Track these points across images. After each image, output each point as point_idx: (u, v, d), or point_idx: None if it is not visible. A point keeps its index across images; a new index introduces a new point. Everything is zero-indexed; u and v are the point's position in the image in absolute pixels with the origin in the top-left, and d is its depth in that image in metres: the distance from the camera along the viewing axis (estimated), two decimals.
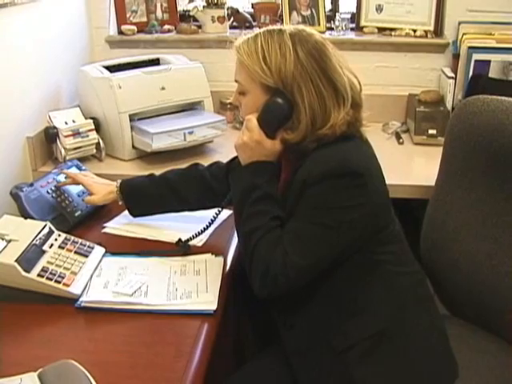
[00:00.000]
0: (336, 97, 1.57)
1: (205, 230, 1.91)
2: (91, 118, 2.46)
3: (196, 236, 1.90)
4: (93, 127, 2.43)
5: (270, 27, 1.63)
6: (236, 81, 1.65)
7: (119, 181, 2.03)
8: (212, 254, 1.86)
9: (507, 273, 1.79)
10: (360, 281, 1.59)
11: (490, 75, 2.60)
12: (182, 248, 1.87)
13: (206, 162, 2.37)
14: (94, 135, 2.43)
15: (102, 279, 1.72)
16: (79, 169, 2.19)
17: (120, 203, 2.01)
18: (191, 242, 1.90)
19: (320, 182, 1.50)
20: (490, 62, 2.60)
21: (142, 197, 2.01)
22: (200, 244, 1.93)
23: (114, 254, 1.86)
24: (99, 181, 2.08)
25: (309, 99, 1.55)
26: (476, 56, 2.60)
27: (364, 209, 1.53)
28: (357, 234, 1.54)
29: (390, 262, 1.62)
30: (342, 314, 1.59)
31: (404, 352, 1.59)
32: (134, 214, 2.02)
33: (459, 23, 2.80)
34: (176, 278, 1.73)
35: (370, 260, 1.59)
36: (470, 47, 2.62)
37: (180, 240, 1.89)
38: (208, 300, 1.63)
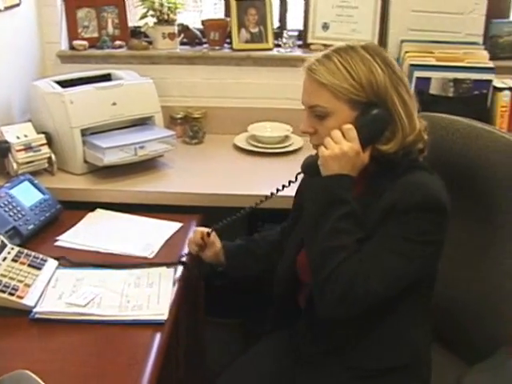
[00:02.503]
0: (413, 103, 1.58)
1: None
2: (43, 133, 2.47)
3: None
4: (45, 142, 2.45)
5: (336, 46, 1.59)
6: (313, 106, 1.57)
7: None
8: (165, 265, 1.90)
9: (463, 292, 1.88)
10: (404, 314, 1.63)
11: (431, 92, 2.69)
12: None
13: (156, 176, 2.47)
14: (46, 150, 2.45)
15: (57, 291, 1.75)
16: (31, 183, 2.21)
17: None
18: None
19: (411, 212, 1.48)
20: (430, 79, 2.69)
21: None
22: (151, 256, 1.97)
23: (67, 266, 1.89)
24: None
25: (398, 108, 1.54)
26: (417, 73, 2.68)
27: (439, 244, 1.56)
28: (424, 268, 1.57)
29: (426, 302, 1.68)
30: (373, 338, 1.63)
31: None
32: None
33: (401, 41, 2.90)
34: (130, 290, 1.77)
35: (416, 296, 1.63)
36: (411, 65, 2.70)
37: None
38: (158, 312, 1.67)
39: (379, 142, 1.55)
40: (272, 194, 1.74)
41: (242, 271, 1.93)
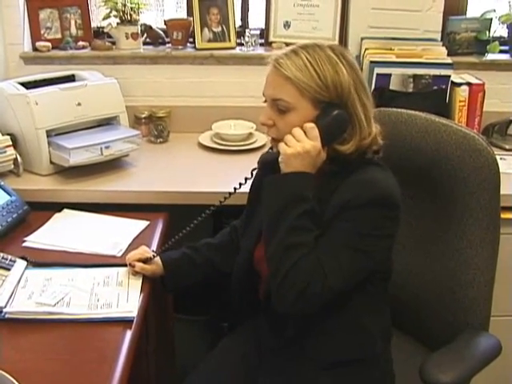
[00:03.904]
0: (372, 108, 1.62)
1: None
2: (8, 134, 2.46)
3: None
4: (10, 143, 2.44)
5: (303, 43, 1.61)
6: (276, 99, 1.58)
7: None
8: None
9: (423, 281, 1.93)
10: (359, 307, 1.67)
11: (391, 87, 2.74)
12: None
13: (122, 175, 2.49)
14: (11, 151, 2.44)
15: (27, 291, 1.76)
16: None
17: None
18: None
19: (364, 208, 1.51)
20: (390, 75, 2.74)
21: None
22: (120, 254, 1.99)
23: (37, 266, 1.90)
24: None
25: (358, 111, 1.57)
26: (378, 70, 2.73)
27: (391, 239, 1.61)
28: (378, 262, 1.61)
29: (381, 293, 1.73)
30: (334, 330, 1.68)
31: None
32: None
33: (362, 39, 2.94)
34: (99, 288, 1.79)
35: (371, 288, 1.68)
36: (371, 61, 2.74)
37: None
38: (127, 309, 1.70)
39: (337, 142, 1.59)
40: (230, 193, 1.76)
41: (181, 282, 1.94)
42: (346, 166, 1.59)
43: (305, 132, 1.56)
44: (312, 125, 1.55)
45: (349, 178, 1.56)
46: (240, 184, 1.73)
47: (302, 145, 1.53)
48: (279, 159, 1.59)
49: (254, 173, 1.73)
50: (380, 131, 1.64)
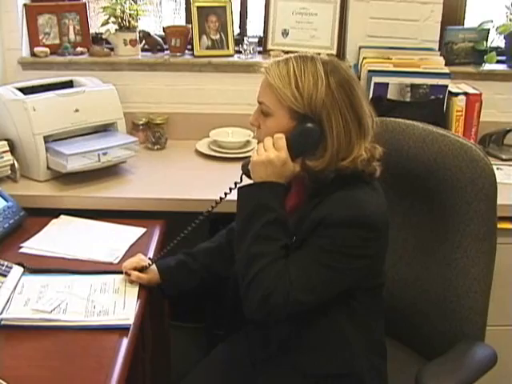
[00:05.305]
0: (359, 131, 1.59)
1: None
2: (5, 140, 2.46)
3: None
4: (7, 149, 2.44)
5: (302, 53, 1.63)
6: (260, 102, 1.64)
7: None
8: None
9: (420, 292, 1.93)
10: (344, 322, 1.67)
11: (389, 97, 2.75)
12: None
13: (119, 181, 2.48)
14: (8, 156, 2.44)
15: (23, 297, 1.76)
16: None
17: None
18: None
19: (338, 226, 1.52)
20: (388, 84, 2.74)
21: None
22: (116, 261, 1.99)
23: (33, 272, 1.90)
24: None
25: (336, 129, 1.55)
26: (375, 79, 2.73)
27: (370, 259, 1.60)
28: (356, 280, 1.60)
29: (368, 310, 1.71)
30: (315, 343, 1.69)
31: None
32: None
33: (360, 48, 2.95)
34: (95, 295, 1.79)
35: (356, 305, 1.68)
36: (369, 70, 2.75)
37: None
38: (124, 317, 1.69)
39: (310, 157, 1.59)
40: (221, 198, 1.76)
41: (178, 288, 1.94)
42: (324, 182, 1.59)
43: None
44: (280, 135, 1.58)
45: (333, 194, 1.57)
46: (230, 189, 1.73)
47: (266, 154, 1.58)
48: (248, 167, 1.64)
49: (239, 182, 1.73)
50: (372, 156, 1.62)
